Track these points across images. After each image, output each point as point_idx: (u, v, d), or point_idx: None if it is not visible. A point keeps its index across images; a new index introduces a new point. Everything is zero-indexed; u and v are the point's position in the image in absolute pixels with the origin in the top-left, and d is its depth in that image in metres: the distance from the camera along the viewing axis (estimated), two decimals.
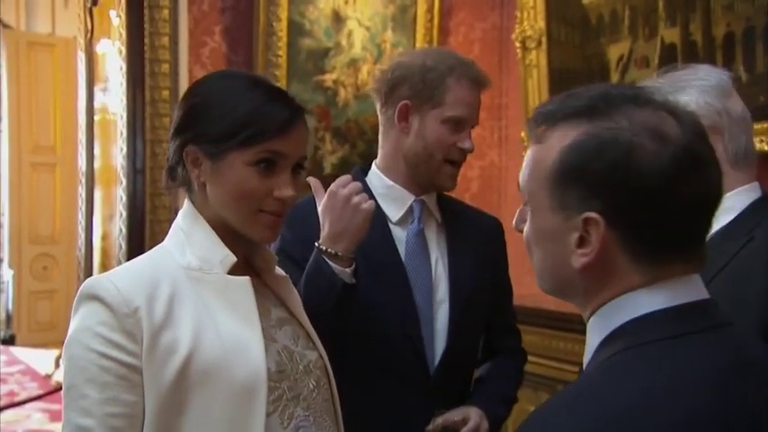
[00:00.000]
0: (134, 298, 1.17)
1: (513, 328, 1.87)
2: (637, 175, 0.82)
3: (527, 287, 1.66)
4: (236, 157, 1.22)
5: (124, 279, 1.20)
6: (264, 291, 1.32)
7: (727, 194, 1.38)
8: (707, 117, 1.40)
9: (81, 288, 1.21)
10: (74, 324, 1.20)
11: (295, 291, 1.40)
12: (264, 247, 1.35)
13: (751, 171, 1.45)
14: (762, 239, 1.36)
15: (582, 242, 0.85)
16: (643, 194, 0.83)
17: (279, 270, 1.37)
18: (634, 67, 2.82)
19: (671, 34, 2.65)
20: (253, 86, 1.26)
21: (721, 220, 1.38)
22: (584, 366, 0.90)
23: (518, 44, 3.24)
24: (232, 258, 1.25)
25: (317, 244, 1.52)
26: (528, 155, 0.92)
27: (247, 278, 1.27)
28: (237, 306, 1.24)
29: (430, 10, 3.38)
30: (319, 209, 1.54)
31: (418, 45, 3.37)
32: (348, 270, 1.52)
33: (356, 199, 1.50)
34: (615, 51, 2.88)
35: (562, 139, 0.87)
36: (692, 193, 0.85)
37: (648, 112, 0.86)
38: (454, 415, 1.58)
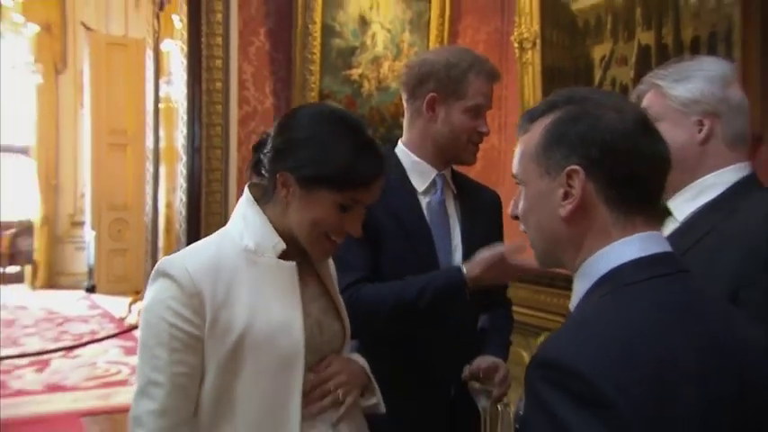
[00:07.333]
0: (200, 282, 1.18)
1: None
2: (607, 134, 0.86)
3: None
4: (324, 195, 1.20)
5: (193, 263, 1.20)
6: (307, 267, 1.31)
7: (722, 170, 1.36)
8: (709, 103, 1.36)
9: (158, 264, 1.22)
10: (150, 294, 1.20)
11: (331, 269, 1.40)
12: None
13: (744, 152, 1.39)
14: (744, 211, 1.29)
15: (566, 196, 0.88)
16: (613, 150, 0.86)
17: None
18: (615, 65, 2.77)
19: (646, 37, 2.60)
20: (346, 135, 1.22)
21: (713, 192, 1.36)
22: (575, 305, 0.91)
23: (516, 45, 3.19)
24: (282, 245, 1.25)
25: (464, 269, 1.56)
26: (518, 146, 0.96)
27: (293, 263, 1.26)
28: (283, 287, 1.24)
29: (441, 15, 3.34)
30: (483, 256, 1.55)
31: (431, 45, 3.34)
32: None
33: (517, 270, 1.56)
34: (599, 52, 2.83)
35: (543, 123, 0.91)
36: (650, 152, 0.88)
37: (609, 98, 0.90)
38: (482, 363, 1.58)
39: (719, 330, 0.85)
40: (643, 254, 0.86)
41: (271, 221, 1.26)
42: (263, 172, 1.27)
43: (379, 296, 1.55)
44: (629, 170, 0.86)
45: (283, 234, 1.26)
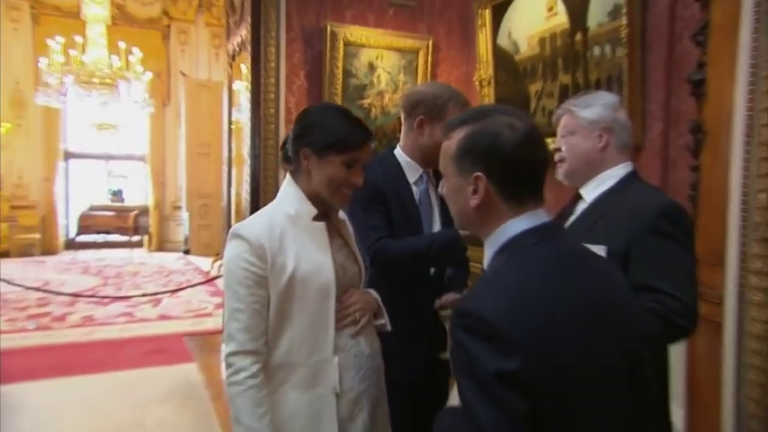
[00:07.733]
0: (261, 237, 1.18)
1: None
2: (502, 148, 0.83)
3: None
4: (333, 158, 1.21)
5: (256, 226, 1.21)
6: (332, 227, 1.32)
7: (615, 168, 1.38)
8: (606, 122, 1.37)
9: (232, 229, 1.22)
10: (228, 251, 1.21)
11: (349, 227, 1.39)
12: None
13: (629, 156, 1.42)
14: (628, 199, 1.32)
15: (474, 192, 0.85)
16: (507, 160, 0.83)
17: (341, 215, 1.37)
18: (545, 97, 2.76)
19: (565, 78, 2.58)
20: (342, 116, 1.24)
21: (609, 183, 1.37)
22: (486, 266, 0.89)
23: (477, 83, 3.18)
24: (314, 210, 1.26)
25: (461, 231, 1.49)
26: (442, 148, 0.92)
27: (323, 223, 1.27)
28: (317, 240, 1.25)
29: (426, 63, 3.32)
30: None
31: (419, 83, 3.31)
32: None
33: None
34: (534, 88, 2.82)
35: (459, 134, 0.87)
36: (534, 159, 0.85)
37: (506, 116, 0.85)
38: (448, 297, 1.58)
39: (596, 281, 0.81)
40: (531, 225, 0.83)
41: (303, 191, 1.25)
42: (289, 154, 1.27)
43: (401, 248, 1.56)
44: (519, 173, 0.83)
45: (312, 199, 1.26)
